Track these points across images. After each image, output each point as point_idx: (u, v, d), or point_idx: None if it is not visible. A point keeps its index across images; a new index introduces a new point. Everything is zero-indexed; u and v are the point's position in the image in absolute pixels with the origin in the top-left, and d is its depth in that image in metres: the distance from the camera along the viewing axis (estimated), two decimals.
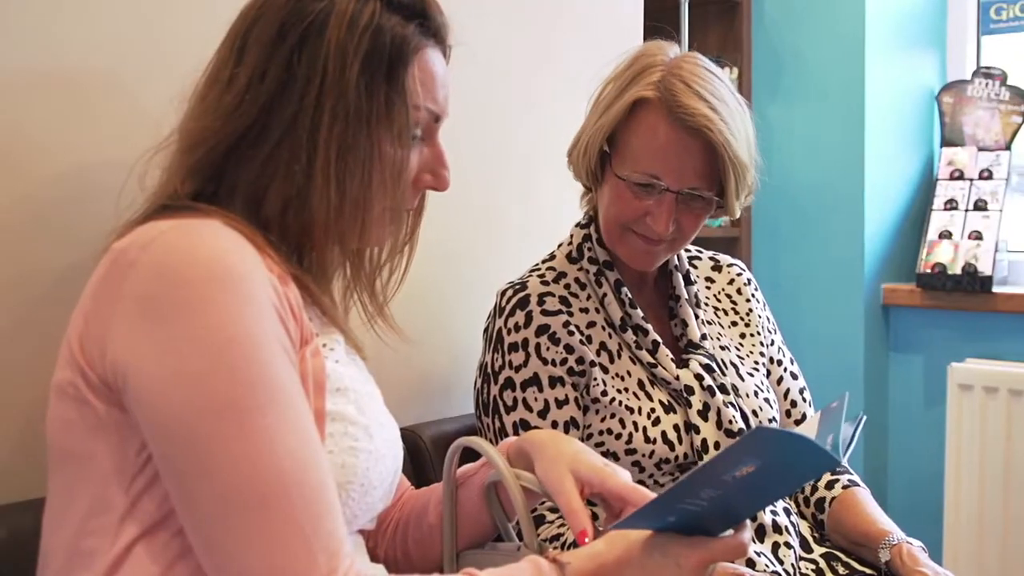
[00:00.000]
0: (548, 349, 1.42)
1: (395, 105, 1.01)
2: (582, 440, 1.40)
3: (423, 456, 1.52)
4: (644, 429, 1.40)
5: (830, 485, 1.52)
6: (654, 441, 1.40)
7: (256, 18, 1.02)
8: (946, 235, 2.67)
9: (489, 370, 1.46)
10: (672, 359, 1.46)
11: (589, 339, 1.45)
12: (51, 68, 1.18)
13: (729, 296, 1.61)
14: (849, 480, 1.52)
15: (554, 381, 1.42)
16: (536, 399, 1.41)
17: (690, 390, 1.43)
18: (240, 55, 1.01)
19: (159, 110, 1.07)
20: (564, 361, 1.42)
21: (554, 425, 1.40)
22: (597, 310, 1.48)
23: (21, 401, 1.14)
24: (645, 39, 2.03)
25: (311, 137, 0.98)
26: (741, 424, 1.43)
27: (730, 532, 1.00)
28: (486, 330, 1.51)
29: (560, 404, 1.41)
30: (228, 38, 1.04)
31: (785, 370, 1.59)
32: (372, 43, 1.00)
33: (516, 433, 1.39)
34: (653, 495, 1.02)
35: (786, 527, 1.41)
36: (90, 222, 1.14)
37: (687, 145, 1.36)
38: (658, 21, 2.08)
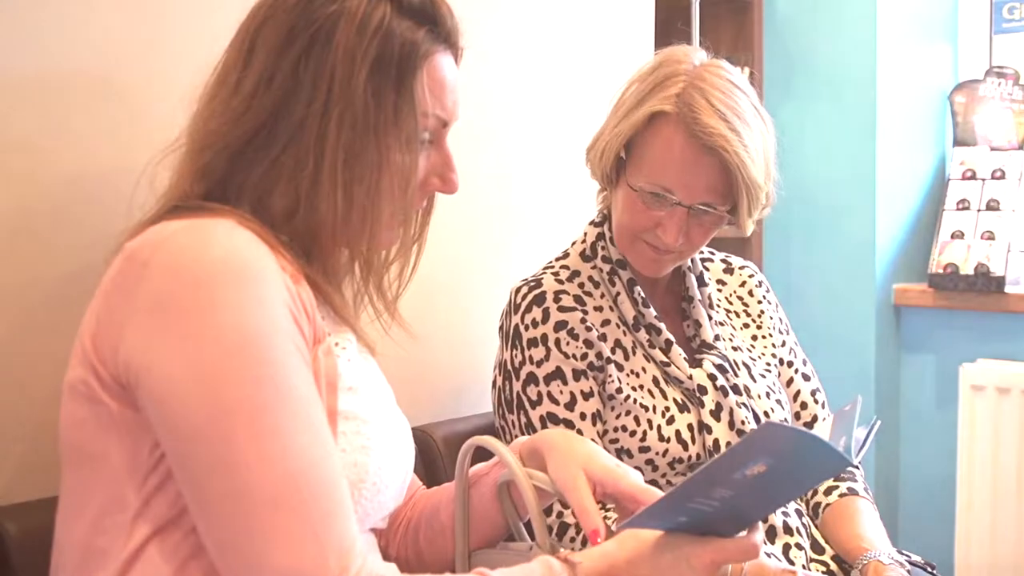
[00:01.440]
0: (568, 344, 1.42)
1: (403, 112, 1.00)
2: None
3: (435, 456, 1.52)
4: (659, 427, 1.40)
5: (828, 491, 1.49)
6: (668, 440, 1.40)
7: (265, 19, 1.01)
8: (958, 235, 2.66)
9: (509, 367, 1.45)
10: (685, 358, 1.46)
11: (604, 337, 1.45)
12: (57, 71, 1.18)
13: (741, 298, 1.60)
14: (849, 488, 1.48)
15: (578, 374, 1.42)
16: (561, 392, 1.41)
17: (703, 390, 1.43)
18: (248, 58, 1.01)
19: (168, 113, 1.07)
20: (584, 356, 1.42)
21: (582, 416, 1.40)
22: (611, 308, 1.48)
23: (34, 400, 1.15)
24: (656, 38, 2.02)
25: (318, 144, 0.98)
26: (753, 425, 1.42)
27: (743, 533, 1.00)
28: (501, 328, 1.50)
29: (586, 396, 1.41)
30: (237, 37, 1.03)
31: (796, 371, 1.59)
32: (381, 49, 0.99)
33: (544, 427, 1.39)
34: None
35: (797, 528, 1.40)
36: (102, 224, 1.15)
37: (702, 162, 1.35)
38: (669, 20, 2.07)
